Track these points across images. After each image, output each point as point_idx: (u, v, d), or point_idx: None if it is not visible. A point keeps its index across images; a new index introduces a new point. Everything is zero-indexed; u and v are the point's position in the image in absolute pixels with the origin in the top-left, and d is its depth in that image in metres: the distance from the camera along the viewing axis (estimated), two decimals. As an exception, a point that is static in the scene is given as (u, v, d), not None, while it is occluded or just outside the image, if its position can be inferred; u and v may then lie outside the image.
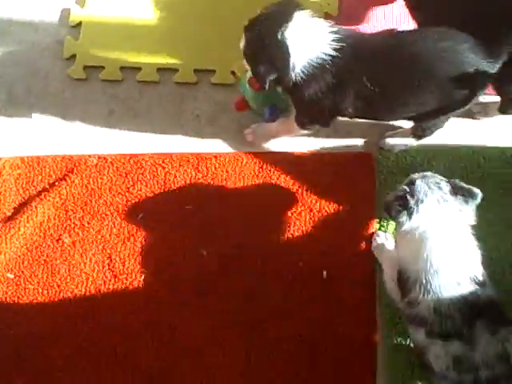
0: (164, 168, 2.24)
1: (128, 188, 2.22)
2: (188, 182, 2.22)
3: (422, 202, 1.68)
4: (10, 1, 2.52)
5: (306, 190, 2.19)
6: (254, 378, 2.00)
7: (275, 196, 2.20)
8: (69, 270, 2.12)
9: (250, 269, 2.11)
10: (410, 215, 1.68)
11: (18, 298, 2.10)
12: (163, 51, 2.38)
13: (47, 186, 2.23)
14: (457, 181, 1.73)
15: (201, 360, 2.01)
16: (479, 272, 1.67)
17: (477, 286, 1.63)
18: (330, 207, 2.16)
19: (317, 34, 1.85)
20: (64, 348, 2.03)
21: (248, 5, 2.28)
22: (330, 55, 1.84)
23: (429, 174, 1.75)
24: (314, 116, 2.05)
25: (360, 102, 1.91)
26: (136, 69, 2.37)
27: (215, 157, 2.25)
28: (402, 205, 1.68)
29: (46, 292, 2.10)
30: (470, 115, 2.22)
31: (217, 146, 2.28)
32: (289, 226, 2.14)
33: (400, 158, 2.19)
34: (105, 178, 2.23)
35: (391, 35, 1.92)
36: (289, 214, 2.16)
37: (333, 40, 1.85)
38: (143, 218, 2.18)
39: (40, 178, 2.25)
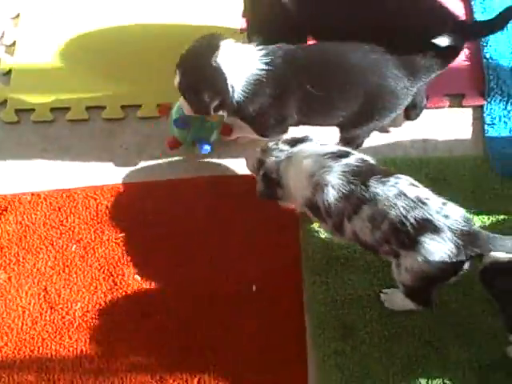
0: (96, 200, 2.33)
1: (62, 221, 2.30)
2: (119, 211, 2.31)
3: (280, 170, 2.01)
4: None
5: (234, 211, 2.29)
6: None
7: (202, 219, 2.29)
8: (5, 306, 2.17)
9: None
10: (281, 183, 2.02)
11: (-46, 335, 2.14)
12: (90, 90, 2.51)
13: (-18, 226, 2.30)
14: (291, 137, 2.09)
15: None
16: (338, 148, 2.00)
17: (343, 157, 1.93)
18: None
19: (246, 55, 2.03)
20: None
21: (169, 43, 2.49)
22: (264, 69, 2.01)
23: (268, 146, 2.07)
24: (268, 126, 2.17)
25: (302, 106, 2.07)
26: (65, 109, 2.49)
27: (144, 185, 2.35)
28: (274, 185, 2.02)
29: (-18, 328, 2.15)
30: (382, 129, 2.38)
31: (145, 175, 2.38)
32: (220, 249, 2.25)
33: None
34: (38, 213, 2.31)
35: (322, 45, 2.10)
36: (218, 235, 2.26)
37: (263, 56, 2.03)
38: (77, 248, 2.26)
39: (-25, 218, 2.32)
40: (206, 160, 2.39)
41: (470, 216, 1.85)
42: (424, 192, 1.86)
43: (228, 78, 2.00)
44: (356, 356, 2.06)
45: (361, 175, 1.88)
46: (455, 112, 2.43)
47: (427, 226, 1.78)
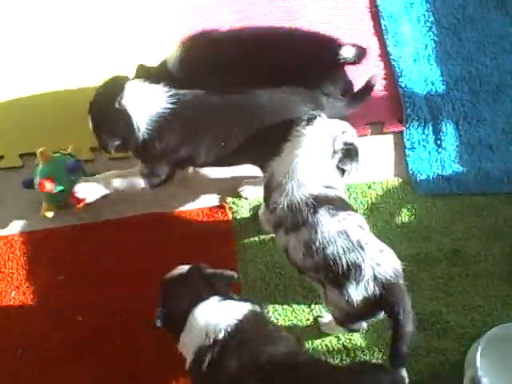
0: (33, 245, 2.34)
1: (-1, 268, 2.31)
2: (57, 254, 2.32)
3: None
4: None
5: (170, 247, 2.35)
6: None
7: (140, 252, 2.34)
8: None
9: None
10: None
11: None
12: (24, 137, 2.50)
13: None
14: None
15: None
16: (331, 180, 1.97)
17: (324, 188, 1.93)
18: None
19: (152, 94, 2.09)
20: None
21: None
22: (169, 108, 2.07)
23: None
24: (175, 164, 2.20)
25: (212, 147, 2.12)
26: (-2, 157, 2.50)
27: (79, 228, 2.38)
28: None
29: None
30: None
31: (79, 218, 2.39)
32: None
33: (253, 204, 2.42)
34: (-26, 262, 2.32)
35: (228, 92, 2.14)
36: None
37: (170, 95, 2.09)
38: (16, 294, 2.26)
39: None
40: (139, 200, 2.42)
41: (400, 268, 1.83)
42: (366, 236, 1.85)
43: (133, 117, 2.05)
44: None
45: (316, 201, 1.88)
46: (377, 139, 2.57)
47: (355, 271, 1.78)
